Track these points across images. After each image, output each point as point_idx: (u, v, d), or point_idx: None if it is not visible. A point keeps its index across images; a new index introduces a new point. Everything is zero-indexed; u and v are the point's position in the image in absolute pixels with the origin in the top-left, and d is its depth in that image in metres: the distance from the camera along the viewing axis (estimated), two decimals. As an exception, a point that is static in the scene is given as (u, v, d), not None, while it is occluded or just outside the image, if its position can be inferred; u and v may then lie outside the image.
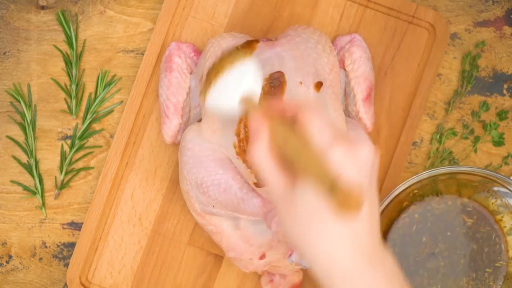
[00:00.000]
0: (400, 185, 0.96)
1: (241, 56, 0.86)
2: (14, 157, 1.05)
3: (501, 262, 1.01)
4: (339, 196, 0.67)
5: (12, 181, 1.05)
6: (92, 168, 1.05)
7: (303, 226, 0.71)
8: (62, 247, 1.05)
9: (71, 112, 1.05)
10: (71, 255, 1.04)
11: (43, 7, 1.06)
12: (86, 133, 1.05)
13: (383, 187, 1.03)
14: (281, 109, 0.76)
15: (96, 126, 1.06)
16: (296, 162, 0.70)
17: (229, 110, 0.83)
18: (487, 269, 1.01)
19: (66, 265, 1.05)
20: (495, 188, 0.99)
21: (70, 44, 1.05)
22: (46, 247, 1.05)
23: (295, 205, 0.71)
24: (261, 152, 0.73)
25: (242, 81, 0.83)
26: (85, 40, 1.06)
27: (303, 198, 0.71)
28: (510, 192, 0.97)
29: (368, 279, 0.71)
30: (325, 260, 0.71)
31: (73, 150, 1.05)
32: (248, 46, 0.94)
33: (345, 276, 0.71)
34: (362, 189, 0.68)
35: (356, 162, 0.70)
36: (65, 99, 1.06)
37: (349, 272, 0.71)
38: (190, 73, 1.01)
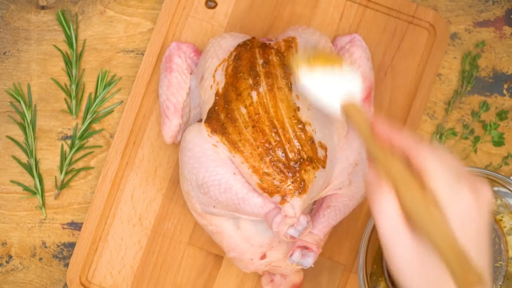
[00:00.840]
0: (400, 185, 0.96)
1: (348, 63, 0.87)
2: (14, 157, 1.05)
3: (501, 262, 1.01)
4: (465, 272, 0.64)
5: (12, 181, 1.05)
6: (92, 168, 1.06)
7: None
8: (62, 247, 1.05)
9: (71, 112, 1.05)
10: (71, 255, 1.04)
11: (43, 7, 1.06)
12: (86, 133, 1.05)
13: (383, 187, 1.03)
14: (391, 138, 0.71)
15: (96, 126, 1.06)
16: (420, 224, 0.66)
17: (330, 107, 0.83)
18: (487, 269, 1.01)
19: (66, 265, 1.05)
20: (495, 188, 0.99)
21: (70, 44, 1.05)
22: (46, 247, 1.05)
23: (422, 265, 0.67)
24: (388, 206, 0.68)
25: (347, 85, 0.84)
26: (85, 40, 1.06)
27: (428, 262, 0.67)
28: (510, 192, 0.97)
29: None
30: None
31: (73, 150, 1.05)
32: (252, 43, 0.94)
33: None
34: (485, 270, 0.65)
35: (479, 205, 0.68)
36: (65, 99, 1.06)
37: None
38: (190, 73, 1.01)
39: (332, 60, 0.87)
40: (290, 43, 0.95)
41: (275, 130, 0.90)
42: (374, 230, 0.96)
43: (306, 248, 0.93)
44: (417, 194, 0.67)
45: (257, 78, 0.92)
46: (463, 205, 0.67)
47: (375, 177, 0.69)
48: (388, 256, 0.68)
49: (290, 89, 0.92)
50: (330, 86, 0.85)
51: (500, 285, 1.01)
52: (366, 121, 0.76)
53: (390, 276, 1.00)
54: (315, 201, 0.97)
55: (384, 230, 0.68)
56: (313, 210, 0.98)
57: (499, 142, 1.05)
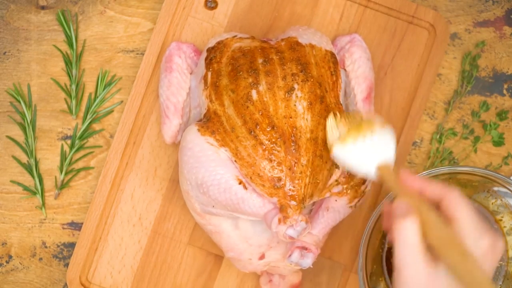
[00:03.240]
0: (400, 185, 0.96)
1: (380, 124, 0.91)
2: (14, 157, 1.05)
3: (501, 262, 1.01)
4: None
5: (12, 181, 1.05)
6: (92, 168, 1.06)
7: None
8: (62, 247, 1.05)
9: (71, 112, 1.06)
10: (71, 255, 1.04)
11: (43, 7, 1.06)
12: (86, 133, 1.05)
13: (383, 187, 1.03)
14: (422, 188, 0.82)
15: (96, 126, 1.06)
16: (441, 251, 0.77)
17: (366, 172, 0.89)
18: (487, 269, 1.01)
19: (66, 265, 1.05)
20: (495, 188, 0.99)
21: (70, 44, 1.06)
22: (46, 247, 1.05)
23: (434, 284, 0.77)
24: (409, 233, 0.77)
25: (380, 149, 0.89)
26: (85, 40, 1.06)
27: (443, 281, 0.77)
28: (510, 192, 0.97)
29: None
30: None
31: (73, 150, 1.05)
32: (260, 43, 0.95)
33: None
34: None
35: (494, 252, 0.79)
36: (65, 99, 1.06)
37: None
38: (191, 73, 1.01)
39: (362, 128, 0.91)
40: (291, 43, 0.95)
41: (275, 129, 0.90)
42: (374, 230, 0.96)
43: (305, 248, 0.93)
44: (445, 234, 0.77)
45: (257, 77, 0.92)
46: (482, 250, 0.78)
47: (404, 208, 0.79)
48: (398, 278, 0.77)
49: (289, 91, 0.92)
50: (364, 155, 0.89)
51: (500, 285, 1.01)
52: (398, 179, 0.84)
53: (390, 276, 1.00)
54: (314, 202, 0.97)
55: (402, 254, 0.78)
56: (312, 210, 0.98)
57: (499, 142, 1.05)
